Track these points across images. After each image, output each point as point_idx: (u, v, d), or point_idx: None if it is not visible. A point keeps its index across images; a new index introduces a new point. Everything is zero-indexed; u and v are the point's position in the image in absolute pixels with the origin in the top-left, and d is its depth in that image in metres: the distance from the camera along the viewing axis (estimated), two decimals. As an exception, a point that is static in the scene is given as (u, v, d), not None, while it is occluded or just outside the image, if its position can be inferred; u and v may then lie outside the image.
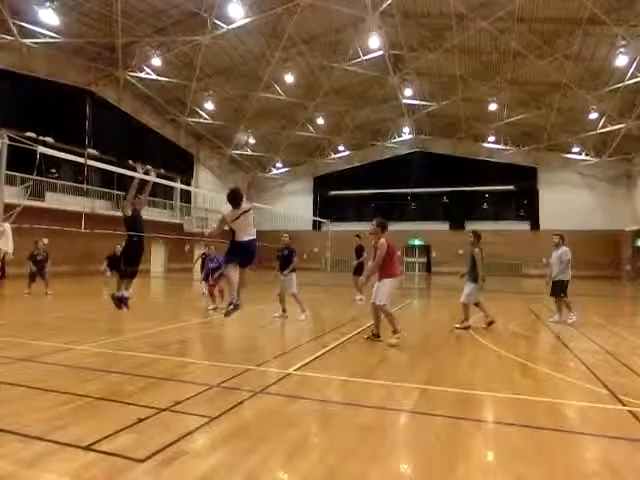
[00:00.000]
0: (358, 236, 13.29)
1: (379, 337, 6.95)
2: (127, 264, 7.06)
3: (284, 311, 9.36)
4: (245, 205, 6.12)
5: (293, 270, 9.32)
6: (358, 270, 12.95)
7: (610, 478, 2.82)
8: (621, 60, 18.26)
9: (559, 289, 9.15)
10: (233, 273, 6.33)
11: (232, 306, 6.20)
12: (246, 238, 6.16)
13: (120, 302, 7.12)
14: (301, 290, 9.58)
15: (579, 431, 3.59)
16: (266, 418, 3.70)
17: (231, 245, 6.24)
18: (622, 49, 17.73)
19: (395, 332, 6.74)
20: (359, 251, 13.23)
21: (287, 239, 9.49)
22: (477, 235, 8.46)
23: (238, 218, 6.07)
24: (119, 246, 12.17)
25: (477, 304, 8.32)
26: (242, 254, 6.25)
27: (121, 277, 7.11)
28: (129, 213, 6.92)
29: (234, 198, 6.08)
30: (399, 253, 31.62)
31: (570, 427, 3.70)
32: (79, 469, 2.75)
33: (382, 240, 6.79)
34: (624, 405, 4.11)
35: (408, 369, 5.46)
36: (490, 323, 8.17)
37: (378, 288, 6.86)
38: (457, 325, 8.30)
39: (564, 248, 9.11)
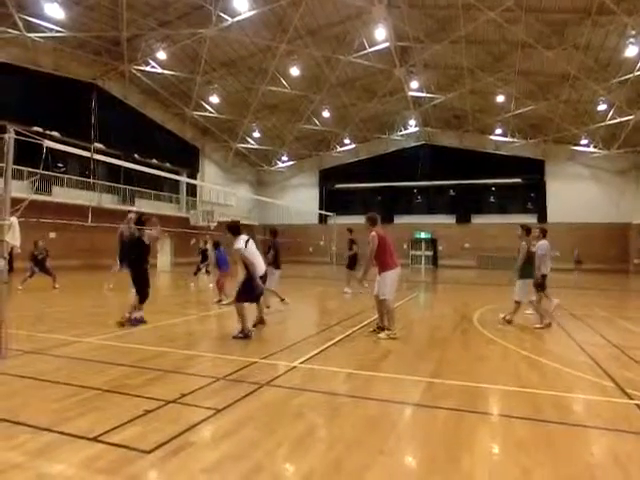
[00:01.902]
0: (350, 230, 13.29)
1: (384, 330, 6.94)
2: (147, 287, 7.51)
3: (284, 300, 9.53)
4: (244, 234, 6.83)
5: (273, 264, 9.19)
6: (351, 263, 13.03)
7: (616, 471, 2.81)
8: (631, 50, 17.96)
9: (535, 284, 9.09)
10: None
11: (243, 335, 6.45)
12: (263, 268, 6.78)
13: (139, 322, 7.43)
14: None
15: (585, 424, 3.58)
16: (272, 410, 3.72)
17: (249, 283, 6.57)
18: (632, 39, 17.40)
19: (389, 329, 6.77)
20: (350, 244, 13.28)
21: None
22: (525, 229, 8.09)
23: (247, 244, 6.64)
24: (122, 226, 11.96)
25: (517, 302, 7.98)
26: (258, 289, 6.77)
27: (141, 302, 7.44)
28: (147, 242, 7.55)
29: (237, 228, 6.85)
30: (405, 246, 31.64)
31: (576, 420, 3.69)
32: (87, 460, 2.79)
33: (373, 233, 6.78)
34: (631, 399, 4.10)
35: (414, 362, 5.45)
36: (508, 321, 8.02)
37: (380, 282, 6.86)
38: (538, 325, 7.78)
39: (541, 242, 8.87)
